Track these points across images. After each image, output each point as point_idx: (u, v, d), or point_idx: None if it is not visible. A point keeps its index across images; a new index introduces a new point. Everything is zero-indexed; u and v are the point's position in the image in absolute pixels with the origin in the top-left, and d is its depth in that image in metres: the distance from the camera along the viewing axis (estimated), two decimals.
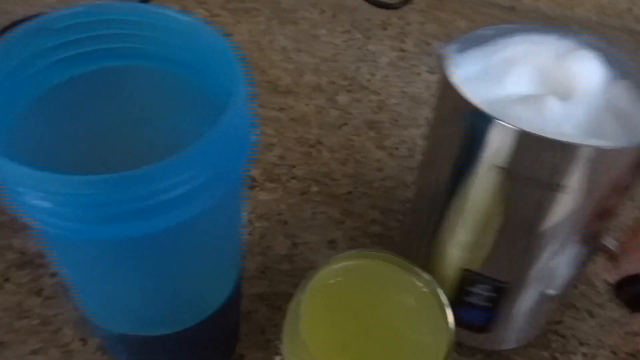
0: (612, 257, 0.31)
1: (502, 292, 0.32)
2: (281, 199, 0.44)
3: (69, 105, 0.23)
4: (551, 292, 0.33)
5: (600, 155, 0.25)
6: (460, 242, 0.32)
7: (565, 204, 0.27)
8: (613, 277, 0.31)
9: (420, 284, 0.30)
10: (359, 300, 0.31)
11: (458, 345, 0.30)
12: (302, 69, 0.57)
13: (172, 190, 0.18)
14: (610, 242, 0.32)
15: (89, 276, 0.21)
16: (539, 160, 0.26)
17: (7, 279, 0.37)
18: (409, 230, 0.38)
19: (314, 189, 0.45)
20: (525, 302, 0.33)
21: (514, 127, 0.25)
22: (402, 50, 0.61)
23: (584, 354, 0.37)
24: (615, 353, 0.37)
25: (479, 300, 0.32)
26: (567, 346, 0.37)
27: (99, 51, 0.22)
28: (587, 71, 0.28)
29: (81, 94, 0.23)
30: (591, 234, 0.30)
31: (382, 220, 0.43)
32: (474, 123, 0.27)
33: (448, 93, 0.28)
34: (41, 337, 0.35)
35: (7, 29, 0.54)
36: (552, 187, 0.27)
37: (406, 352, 0.29)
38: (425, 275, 0.29)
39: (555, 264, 0.31)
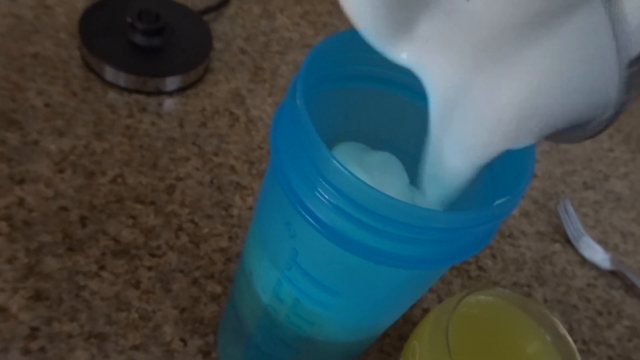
0: None
1: None
2: None
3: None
4: None
5: None
6: None
7: None
8: None
9: (543, 330, 0.32)
10: (486, 336, 0.32)
11: None
12: None
13: (458, 236, 0.19)
14: None
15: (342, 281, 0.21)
16: None
17: (102, 267, 0.36)
18: None
19: None
20: None
21: None
22: None
23: None
24: None
25: None
26: None
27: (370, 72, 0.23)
28: None
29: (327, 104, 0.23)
30: None
31: None
32: None
33: None
34: (141, 333, 0.34)
35: None
36: None
37: None
38: (557, 325, 0.31)
39: None
